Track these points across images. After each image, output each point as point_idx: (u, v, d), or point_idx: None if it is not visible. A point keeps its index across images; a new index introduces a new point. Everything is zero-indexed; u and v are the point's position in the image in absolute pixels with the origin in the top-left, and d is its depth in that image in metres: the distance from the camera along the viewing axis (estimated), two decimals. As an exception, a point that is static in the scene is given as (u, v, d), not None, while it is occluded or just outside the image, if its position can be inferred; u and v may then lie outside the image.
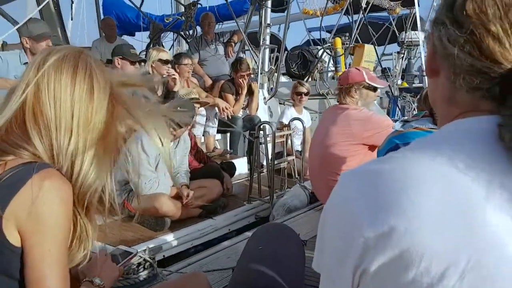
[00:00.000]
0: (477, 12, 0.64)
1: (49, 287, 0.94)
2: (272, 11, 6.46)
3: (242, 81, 5.12)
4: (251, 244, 1.77)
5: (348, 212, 0.63)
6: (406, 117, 2.52)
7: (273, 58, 6.53)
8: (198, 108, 4.10)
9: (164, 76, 4.36)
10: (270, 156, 3.91)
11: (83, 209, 1.04)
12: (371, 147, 2.97)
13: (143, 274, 2.19)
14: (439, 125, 0.75)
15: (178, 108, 3.19)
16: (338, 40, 6.86)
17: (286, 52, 7.32)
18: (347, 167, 2.92)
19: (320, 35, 7.38)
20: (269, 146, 3.96)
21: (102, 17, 7.45)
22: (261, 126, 3.87)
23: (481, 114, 0.64)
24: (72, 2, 6.74)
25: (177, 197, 3.30)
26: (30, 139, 1.00)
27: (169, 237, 3.08)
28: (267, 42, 6.12)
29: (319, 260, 0.69)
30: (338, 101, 3.14)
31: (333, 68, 7.90)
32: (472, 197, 0.56)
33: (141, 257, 2.18)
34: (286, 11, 6.05)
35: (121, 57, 4.02)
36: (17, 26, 3.78)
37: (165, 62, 4.28)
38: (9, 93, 1.04)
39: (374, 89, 3.08)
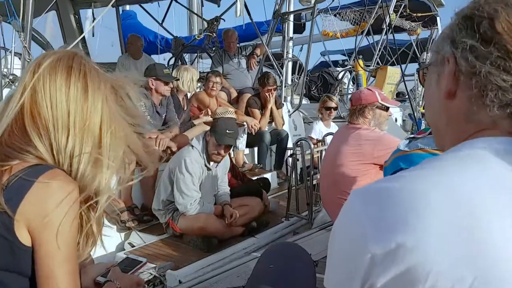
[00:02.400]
0: (506, 31, 0.65)
1: (58, 284, 0.96)
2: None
3: (269, 95, 5.14)
4: (262, 263, 1.75)
5: (357, 229, 0.63)
6: (412, 134, 2.49)
7: (292, 80, 6.51)
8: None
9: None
10: (307, 172, 3.90)
11: (86, 206, 1.06)
12: (382, 167, 2.97)
13: None
14: (440, 144, 0.78)
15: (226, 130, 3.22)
16: (360, 62, 6.86)
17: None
18: (357, 186, 2.91)
19: (346, 55, 7.34)
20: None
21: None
22: (298, 143, 3.87)
23: (500, 134, 0.64)
24: (94, 19, 6.79)
25: (221, 216, 3.31)
26: (31, 141, 1.03)
27: (216, 257, 3.08)
28: (290, 55, 6.14)
29: (329, 277, 0.69)
30: (349, 121, 3.15)
31: (353, 90, 7.84)
32: (474, 218, 0.57)
33: (151, 274, 2.16)
34: (310, 31, 6.02)
35: (154, 77, 4.02)
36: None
37: (198, 80, 4.31)
38: (8, 99, 1.07)
39: (386, 108, 3.09)
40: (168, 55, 7.70)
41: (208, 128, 3.93)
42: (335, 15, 8.20)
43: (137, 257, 1.66)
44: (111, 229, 3.31)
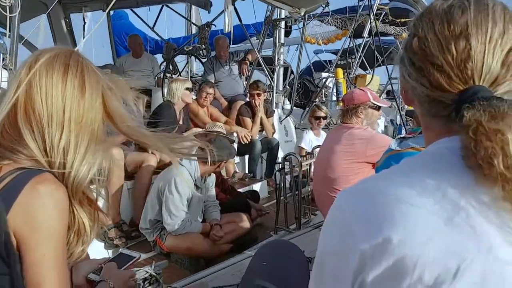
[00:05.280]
0: (422, 48, 0.70)
1: None
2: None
3: (257, 101, 5.14)
4: (256, 260, 1.76)
5: (344, 229, 0.66)
6: (403, 134, 2.51)
7: (285, 91, 6.55)
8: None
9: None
10: (296, 186, 3.93)
11: (78, 204, 1.06)
12: (374, 166, 3.00)
13: None
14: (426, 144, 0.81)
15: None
16: (340, 71, 6.92)
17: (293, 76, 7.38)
18: (349, 185, 2.92)
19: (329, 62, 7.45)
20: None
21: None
22: (287, 157, 3.89)
23: (454, 134, 0.68)
24: (85, 23, 6.74)
25: (209, 232, 3.32)
26: (22, 139, 1.00)
27: (202, 275, 3.10)
28: (281, 61, 6.14)
29: (316, 278, 0.72)
30: (341, 121, 3.18)
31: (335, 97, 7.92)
32: (454, 210, 0.60)
33: (147, 272, 2.17)
34: (301, 38, 6.04)
35: None
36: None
37: (191, 89, 4.32)
38: (1, 96, 1.05)
39: (378, 108, 3.13)
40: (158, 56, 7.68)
41: (198, 143, 3.94)
42: (320, 21, 8.28)
43: (130, 252, 1.61)
44: (99, 246, 3.33)
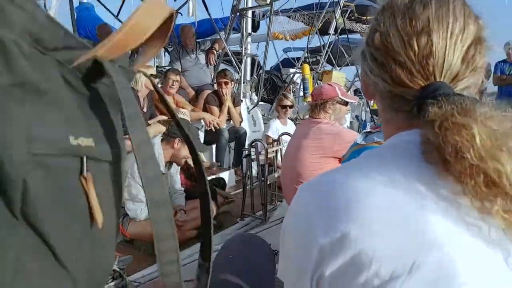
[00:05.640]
0: (384, 44, 0.69)
1: None
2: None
3: (224, 90, 5.11)
4: (221, 254, 1.74)
5: (304, 222, 0.66)
6: (368, 129, 2.57)
7: (253, 82, 6.54)
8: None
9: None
10: (262, 173, 3.92)
11: None
12: (340, 160, 3.05)
13: (112, 284, 2.13)
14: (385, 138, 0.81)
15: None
16: (306, 66, 6.99)
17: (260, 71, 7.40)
18: None
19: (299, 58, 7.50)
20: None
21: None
22: (253, 144, 3.88)
23: (414, 128, 0.68)
24: (46, 10, 6.52)
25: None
26: None
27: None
28: (249, 51, 6.12)
29: (283, 270, 0.73)
30: (310, 116, 3.21)
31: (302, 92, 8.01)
32: (412, 204, 0.60)
33: None
34: (268, 28, 6.04)
35: None
36: None
37: (155, 76, 4.24)
38: None
39: (346, 103, 3.16)
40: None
41: (163, 128, 3.89)
42: (287, 17, 8.32)
43: None
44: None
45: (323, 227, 0.63)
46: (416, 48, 0.67)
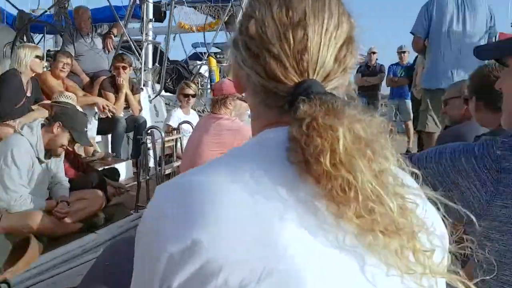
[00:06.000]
0: (259, 33, 0.66)
1: None
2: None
3: (120, 76, 4.82)
4: (99, 260, 1.59)
5: (156, 228, 0.61)
6: None
7: (155, 70, 6.30)
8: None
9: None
10: (158, 162, 3.74)
11: None
12: None
13: None
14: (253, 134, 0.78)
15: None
16: (212, 59, 6.96)
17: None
18: None
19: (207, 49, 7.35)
20: (157, 150, 3.79)
21: None
22: (149, 131, 3.68)
23: (284, 125, 0.65)
24: None
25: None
26: None
27: (45, 258, 2.75)
28: (150, 37, 5.85)
29: (133, 278, 0.67)
30: (211, 111, 3.18)
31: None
32: (268, 211, 0.57)
33: None
34: (169, 18, 5.85)
35: None
36: None
37: (41, 58, 3.85)
38: None
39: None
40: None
41: (46, 112, 3.53)
42: (193, 8, 8.21)
43: None
44: None
45: (174, 234, 0.58)
46: (291, 41, 0.64)
